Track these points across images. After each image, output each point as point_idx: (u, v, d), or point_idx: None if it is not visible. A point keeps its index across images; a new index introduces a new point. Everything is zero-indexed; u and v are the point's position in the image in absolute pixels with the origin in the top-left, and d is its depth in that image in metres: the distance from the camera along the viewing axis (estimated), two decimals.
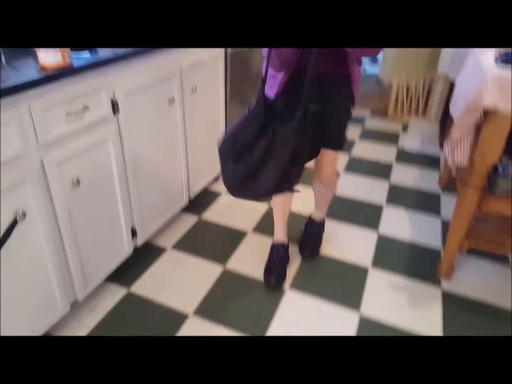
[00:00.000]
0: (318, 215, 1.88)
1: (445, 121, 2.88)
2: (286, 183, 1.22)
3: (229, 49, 2.11)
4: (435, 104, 3.43)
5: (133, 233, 1.67)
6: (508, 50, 1.42)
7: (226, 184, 1.29)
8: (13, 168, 1.09)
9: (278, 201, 1.68)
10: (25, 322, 1.24)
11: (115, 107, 1.40)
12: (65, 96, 1.20)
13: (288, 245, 1.79)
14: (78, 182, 1.31)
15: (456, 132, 1.45)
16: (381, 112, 3.59)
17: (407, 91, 3.54)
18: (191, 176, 2.02)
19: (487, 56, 1.51)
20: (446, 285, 1.73)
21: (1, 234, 1.08)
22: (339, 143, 1.51)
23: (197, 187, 2.14)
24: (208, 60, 1.96)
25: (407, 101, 3.55)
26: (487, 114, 1.39)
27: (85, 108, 1.27)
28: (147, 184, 1.69)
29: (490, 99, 1.30)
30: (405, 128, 3.38)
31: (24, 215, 1.13)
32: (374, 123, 3.46)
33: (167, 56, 1.64)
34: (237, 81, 2.29)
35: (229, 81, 2.20)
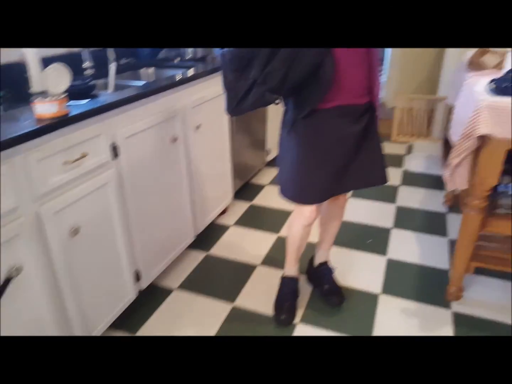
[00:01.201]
0: (326, 255, 1.80)
1: (448, 142, 2.88)
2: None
3: None
4: (437, 125, 3.45)
5: (137, 276, 1.64)
6: (499, 78, 1.44)
7: (229, 105, 1.24)
8: (8, 222, 1.06)
9: (296, 237, 1.58)
10: None
11: (115, 151, 1.41)
12: (62, 145, 1.19)
13: (298, 279, 1.75)
14: (76, 230, 1.28)
15: (455, 157, 1.46)
16: (386, 135, 3.61)
17: (410, 114, 3.57)
18: (197, 211, 2.02)
19: (480, 84, 1.53)
20: (456, 306, 1.70)
21: None
22: (384, 175, 1.45)
23: (204, 222, 2.13)
24: (212, 98, 2.00)
25: (410, 124, 3.57)
26: (483, 139, 1.40)
27: (84, 155, 1.27)
28: (151, 224, 1.68)
29: (485, 127, 1.32)
30: (409, 150, 3.38)
31: (19, 269, 1.10)
32: None
33: (170, 97, 1.68)
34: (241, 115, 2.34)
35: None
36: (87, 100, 1.35)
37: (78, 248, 1.32)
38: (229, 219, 2.41)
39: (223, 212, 2.42)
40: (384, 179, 1.45)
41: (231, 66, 1.17)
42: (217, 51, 2.22)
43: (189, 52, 2.21)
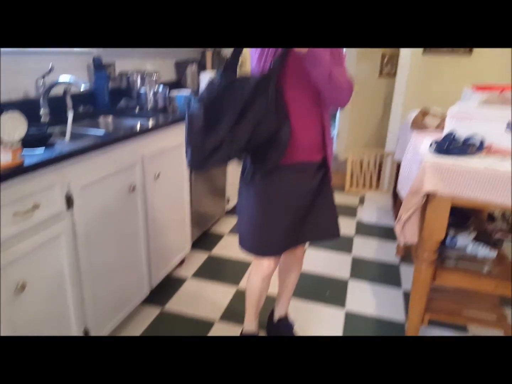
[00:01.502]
0: (286, 308, 1.79)
1: (397, 194, 3.05)
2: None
3: None
4: (386, 178, 3.66)
5: (86, 334, 1.53)
6: (441, 139, 1.57)
7: (194, 160, 1.24)
8: None
9: (255, 289, 1.56)
10: None
11: (69, 201, 1.36)
12: (14, 196, 1.14)
13: (258, 335, 1.70)
14: (23, 286, 1.19)
15: (404, 212, 1.54)
16: (339, 187, 3.76)
17: (361, 166, 3.77)
18: (153, 264, 1.95)
19: (424, 144, 1.66)
20: None
21: None
22: (337, 229, 1.50)
23: (160, 274, 2.05)
24: (172, 147, 2.01)
25: (361, 176, 3.76)
26: (429, 195, 1.50)
27: (36, 206, 1.21)
28: (104, 278, 1.60)
29: (430, 184, 1.42)
30: (361, 201, 3.53)
31: None
32: None
33: (129, 146, 1.66)
34: None
35: None
36: (42, 149, 1.31)
37: (24, 305, 1.23)
38: (187, 271, 2.35)
39: (181, 263, 2.35)
40: (337, 233, 1.50)
41: (199, 124, 1.19)
42: (179, 102, 2.26)
43: (150, 102, 2.23)
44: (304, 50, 1.15)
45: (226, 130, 1.17)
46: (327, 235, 1.49)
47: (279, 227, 1.39)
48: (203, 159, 1.22)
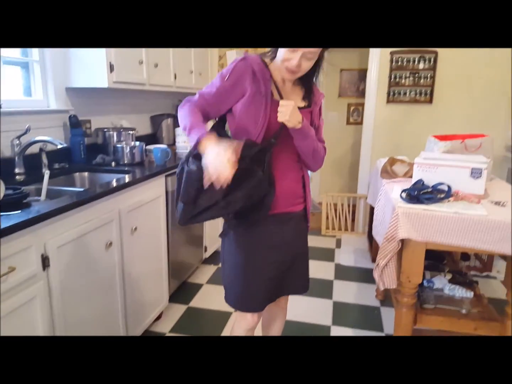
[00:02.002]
0: None
1: (372, 236, 3.12)
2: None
3: (169, 187, 2.21)
4: (361, 220, 3.75)
5: None
6: (410, 187, 1.65)
7: (184, 216, 1.27)
8: None
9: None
10: None
11: (45, 262, 1.33)
12: None
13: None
14: None
15: (381, 259, 1.58)
16: (315, 229, 3.81)
17: (335, 210, 3.85)
18: (129, 320, 1.89)
19: (394, 192, 1.74)
20: None
21: None
22: (307, 284, 1.53)
23: (137, 331, 1.99)
24: (149, 200, 2.01)
25: (336, 218, 3.84)
26: (404, 241, 1.56)
27: (11, 269, 1.18)
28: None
29: (403, 232, 1.48)
30: (338, 244, 3.58)
31: None
32: (310, 241, 3.61)
33: (106, 203, 1.66)
34: None
35: (170, 216, 2.25)
36: (18, 211, 1.29)
37: None
38: (165, 326, 2.27)
39: (158, 317, 2.28)
40: (308, 286, 1.53)
41: (196, 184, 1.22)
42: (155, 155, 2.29)
43: (126, 156, 2.25)
44: (298, 125, 1.24)
45: (223, 193, 1.20)
46: (303, 288, 1.52)
47: (260, 281, 1.39)
48: (193, 216, 1.25)
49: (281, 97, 1.30)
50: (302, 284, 1.51)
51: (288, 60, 1.21)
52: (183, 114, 1.30)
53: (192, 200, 1.23)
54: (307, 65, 1.23)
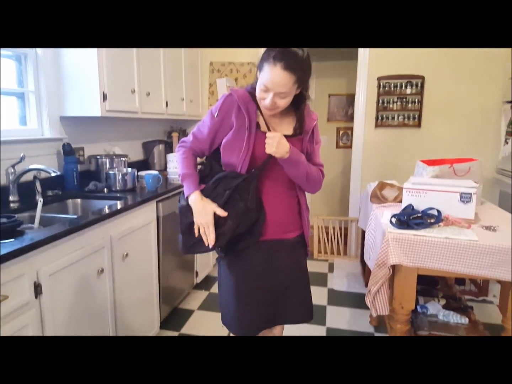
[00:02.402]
0: None
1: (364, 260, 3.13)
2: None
3: (161, 212, 2.22)
4: (353, 244, 3.76)
5: None
6: (400, 213, 1.68)
7: (184, 246, 1.41)
8: None
9: None
10: None
11: (38, 290, 1.33)
12: None
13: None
14: None
15: (372, 285, 1.59)
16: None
17: (327, 233, 3.87)
18: None
19: (385, 217, 1.77)
20: None
21: None
22: (311, 312, 1.52)
23: None
24: (140, 225, 2.02)
25: (328, 242, 3.85)
26: (395, 267, 1.57)
27: (4, 298, 1.19)
28: None
29: (394, 257, 1.49)
30: (331, 268, 3.58)
31: None
32: None
33: (98, 229, 1.67)
34: (170, 239, 2.36)
35: (161, 241, 2.25)
36: (12, 239, 1.30)
37: None
38: None
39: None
40: (310, 316, 1.53)
41: (188, 215, 1.36)
42: (147, 181, 2.30)
43: (119, 182, 2.26)
44: (285, 155, 1.27)
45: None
46: (304, 317, 1.51)
47: (251, 305, 1.41)
48: (191, 246, 1.39)
49: (269, 128, 1.34)
50: (302, 313, 1.50)
51: (262, 99, 1.27)
52: (178, 161, 1.44)
53: (187, 230, 1.38)
54: (283, 103, 1.26)
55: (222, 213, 1.29)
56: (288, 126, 1.39)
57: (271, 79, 1.19)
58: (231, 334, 1.49)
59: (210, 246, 1.33)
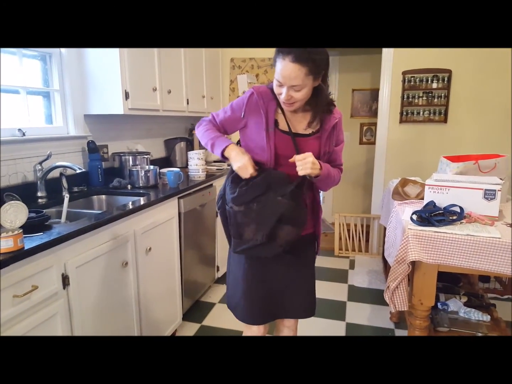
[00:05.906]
0: None
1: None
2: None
3: (182, 209, 2.26)
4: (375, 241, 3.71)
5: None
6: (421, 210, 1.66)
7: (235, 248, 1.40)
8: None
9: None
10: None
11: (65, 281, 1.40)
12: (14, 279, 1.19)
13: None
14: None
15: (391, 281, 1.58)
16: (328, 250, 3.80)
17: (348, 230, 3.84)
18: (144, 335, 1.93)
19: (405, 213, 1.75)
20: None
21: None
22: (313, 308, 1.55)
23: None
24: (163, 221, 2.07)
25: (349, 239, 3.82)
26: (415, 263, 1.56)
27: (34, 287, 1.25)
28: None
29: (414, 254, 1.48)
30: (352, 265, 3.56)
31: None
32: (322, 261, 3.62)
33: (122, 224, 1.72)
34: (191, 234, 2.42)
35: (183, 237, 2.30)
36: (41, 233, 1.36)
37: None
38: None
39: (172, 335, 2.30)
40: (312, 312, 1.54)
41: (240, 220, 1.35)
42: (168, 178, 2.35)
43: (141, 179, 2.32)
44: (317, 172, 1.29)
45: (268, 230, 1.31)
46: (305, 312, 1.54)
47: (253, 294, 1.46)
48: (244, 250, 1.37)
49: (288, 126, 1.35)
50: (304, 308, 1.53)
51: (279, 94, 1.28)
52: (202, 132, 1.43)
53: (238, 234, 1.36)
54: (299, 96, 1.25)
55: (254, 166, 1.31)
56: (306, 125, 1.39)
57: (282, 73, 1.21)
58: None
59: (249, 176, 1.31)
